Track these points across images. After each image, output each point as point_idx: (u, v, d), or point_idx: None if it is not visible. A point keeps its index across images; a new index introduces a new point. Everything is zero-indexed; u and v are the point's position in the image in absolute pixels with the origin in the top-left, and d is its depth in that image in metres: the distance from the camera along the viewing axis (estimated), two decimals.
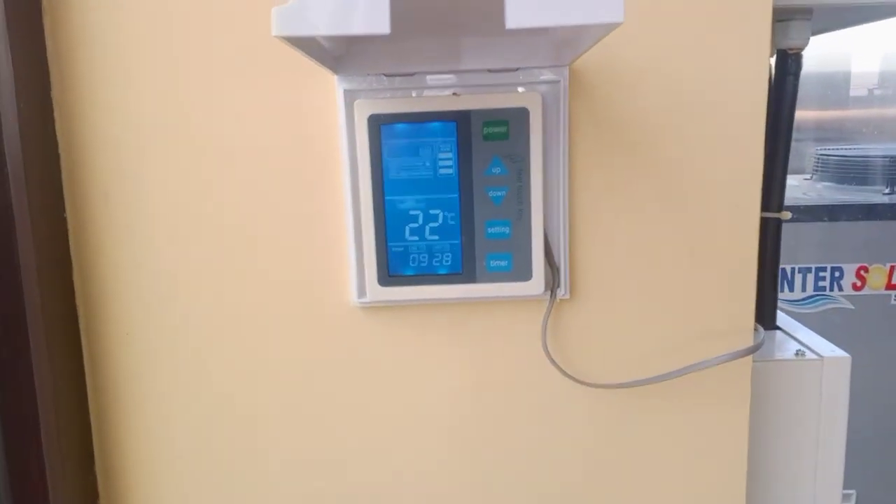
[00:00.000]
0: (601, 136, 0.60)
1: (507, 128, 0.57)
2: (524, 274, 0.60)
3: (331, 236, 0.61)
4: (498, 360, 0.63)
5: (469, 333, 0.62)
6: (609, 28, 0.41)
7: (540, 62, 0.57)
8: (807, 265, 2.40)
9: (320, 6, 0.38)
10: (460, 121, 0.57)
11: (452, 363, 0.63)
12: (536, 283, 0.60)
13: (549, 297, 0.61)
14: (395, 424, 0.64)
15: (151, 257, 0.61)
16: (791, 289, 2.41)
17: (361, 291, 0.60)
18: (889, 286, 2.40)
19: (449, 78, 0.58)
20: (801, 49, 0.77)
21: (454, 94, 0.58)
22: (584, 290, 0.62)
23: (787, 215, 0.80)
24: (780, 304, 2.37)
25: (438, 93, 0.58)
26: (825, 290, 2.41)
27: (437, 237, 0.59)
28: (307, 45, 0.45)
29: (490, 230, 0.59)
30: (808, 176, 3.10)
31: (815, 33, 0.80)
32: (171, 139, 0.59)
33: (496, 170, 0.58)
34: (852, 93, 3.58)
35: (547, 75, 0.58)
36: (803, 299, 2.41)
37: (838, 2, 0.71)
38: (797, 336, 0.78)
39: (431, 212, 0.59)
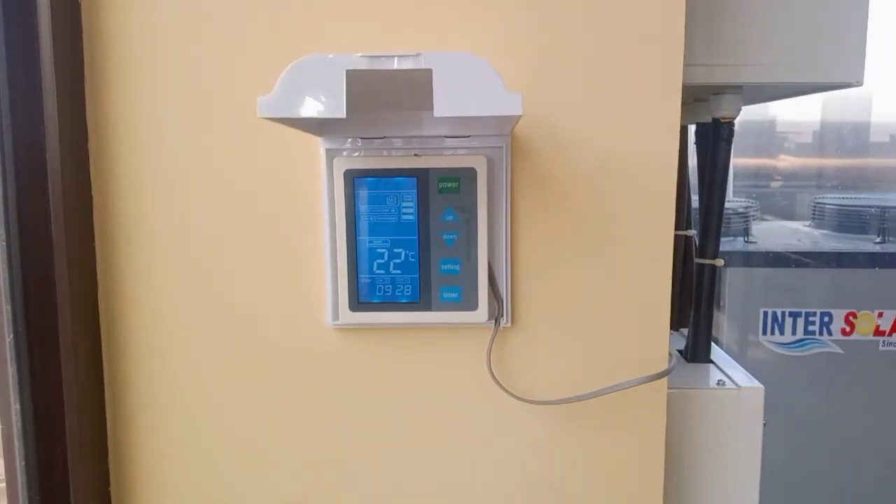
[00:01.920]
0: (539, 191, 0.72)
1: (458, 183, 0.69)
2: (472, 305, 0.71)
3: (311, 269, 0.73)
4: (449, 378, 0.74)
5: (425, 353, 0.74)
6: (516, 117, 0.53)
7: (486, 131, 0.69)
8: (797, 310, 2.48)
9: (292, 96, 0.51)
10: (420, 177, 0.70)
11: (410, 378, 0.74)
12: (482, 313, 0.71)
13: (493, 324, 0.72)
14: (357, 428, 0.75)
15: (162, 283, 0.73)
16: (781, 332, 2.49)
17: (335, 315, 0.72)
18: (877, 332, 2.47)
19: (412, 141, 0.70)
20: (733, 118, 0.89)
21: (416, 154, 0.70)
22: (524, 320, 0.74)
23: (720, 262, 0.91)
24: (771, 346, 2.44)
25: (403, 153, 0.70)
26: (815, 334, 2.49)
27: (399, 271, 0.71)
28: (290, 121, 0.57)
29: (443, 267, 0.71)
30: (807, 223, 3.19)
31: (746, 104, 0.92)
32: (184, 190, 0.72)
33: (449, 217, 0.70)
34: (872, 139, 3.66)
35: (492, 141, 0.70)
36: (793, 343, 2.48)
37: (762, 81, 0.83)
38: (725, 369, 0.88)
39: (395, 250, 0.71)
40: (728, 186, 3.95)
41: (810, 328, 2.48)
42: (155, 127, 0.72)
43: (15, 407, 0.69)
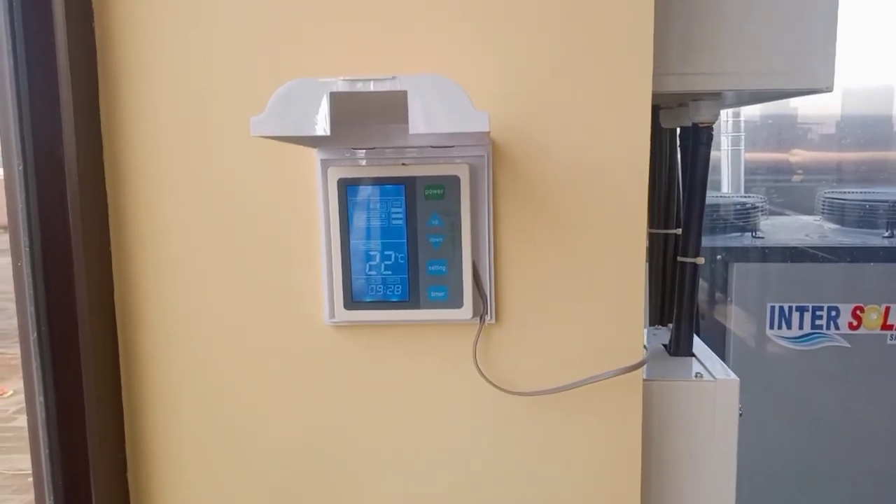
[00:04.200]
0: (520, 195, 0.77)
1: (443, 190, 0.75)
2: (457, 303, 0.76)
3: (309, 271, 0.78)
4: (438, 371, 0.79)
5: (415, 349, 0.79)
6: (484, 133, 0.58)
7: (468, 141, 0.74)
8: (804, 304, 2.50)
9: (281, 116, 0.56)
10: (408, 184, 0.75)
11: (401, 372, 0.80)
12: (467, 310, 0.76)
13: (478, 321, 0.78)
14: (351, 417, 0.81)
15: (173, 285, 0.79)
16: (788, 326, 2.51)
17: (331, 313, 0.78)
18: (884, 326, 2.49)
19: (400, 152, 0.76)
20: (712, 123, 0.93)
21: (403, 164, 0.75)
22: (507, 317, 0.79)
23: (700, 260, 0.95)
24: (778, 340, 2.47)
25: (392, 163, 0.76)
26: (822, 328, 2.51)
27: (389, 272, 0.76)
28: (282, 138, 0.63)
29: (430, 268, 0.76)
30: (818, 218, 3.21)
31: (726, 108, 0.96)
32: (191, 199, 0.78)
33: (435, 222, 0.75)
34: None
35: (474, 150, 0.75)
36: (800, 337, 2.50)
37: (735, 88, 0.87)
38: (704, 362, 0.93)
39: (385, 253, 0.76)
40: (739, 182, 3.97)
41: (817, 322, 2.50)
42: (165, 140, 0.78)
43: (39, 399, 0.76)
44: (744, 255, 2.57)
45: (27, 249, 0.74)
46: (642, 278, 0.77)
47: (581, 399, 0.79)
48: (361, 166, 0.76)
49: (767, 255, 2.58)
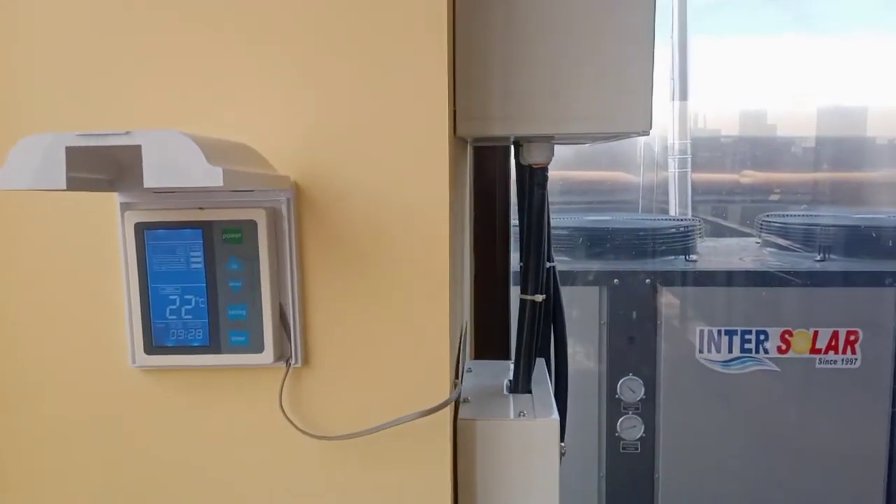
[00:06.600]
0: (326, 239, 0.77)
1: (241, 234, 0.75)
2: (258, 347, 0.76)
3: (113, 315, 0.78)
4: (245, 415, 0.79)
5: (219, 393, 0.79)
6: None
7: (269, 186, 0.74)
8: (732, 328, 2.52)
9: (20, 170, 0.56)
10: (205, 228, 0.75)
11: (206, 417, 0.79)
12: (267, 355, 0.76)
13: (284, 364, 0.78)
14: (158, 464, 0.80)
15: None
16: (718, 350, 2.52)
17: (133, 358, 0.78)
18: (813, 350, 2.51)
19: (200, 195, 0.76)
20: (545, 164, 0.94)
21: (200, 208, 0.75)
22: (317, 360, 0.79)
23: (538, 298, 0.96)
24: (707, 364, 2.48)
25: (190, 206, 0.76)
26: (751, 352, 2.52)
27: (190, 317, 0.76)
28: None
29: (230, 312, 0.76)
30: (757, 240, 3.23)
31: (558, 144, 0.97)
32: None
33: (234, 266, 0.75)
34: (868, 154, 3.68)
35: (275, 195, 0.76)
36: (729, 360, 2.52)
37: (553, 133, 0.88)
38: (537, 400, 0.93)
39: (185, 297, 0.76)
40: (687, 205, 3.98)
41: (746, 346, 2.52)
42: None
43: None
44: (674, 279, 2.59)
45: None
46: (447, 321, 0.78)
47: (392, 441, 0.79)
48: (158, 210, 0.76)
49: (697, 278, 2.60)
